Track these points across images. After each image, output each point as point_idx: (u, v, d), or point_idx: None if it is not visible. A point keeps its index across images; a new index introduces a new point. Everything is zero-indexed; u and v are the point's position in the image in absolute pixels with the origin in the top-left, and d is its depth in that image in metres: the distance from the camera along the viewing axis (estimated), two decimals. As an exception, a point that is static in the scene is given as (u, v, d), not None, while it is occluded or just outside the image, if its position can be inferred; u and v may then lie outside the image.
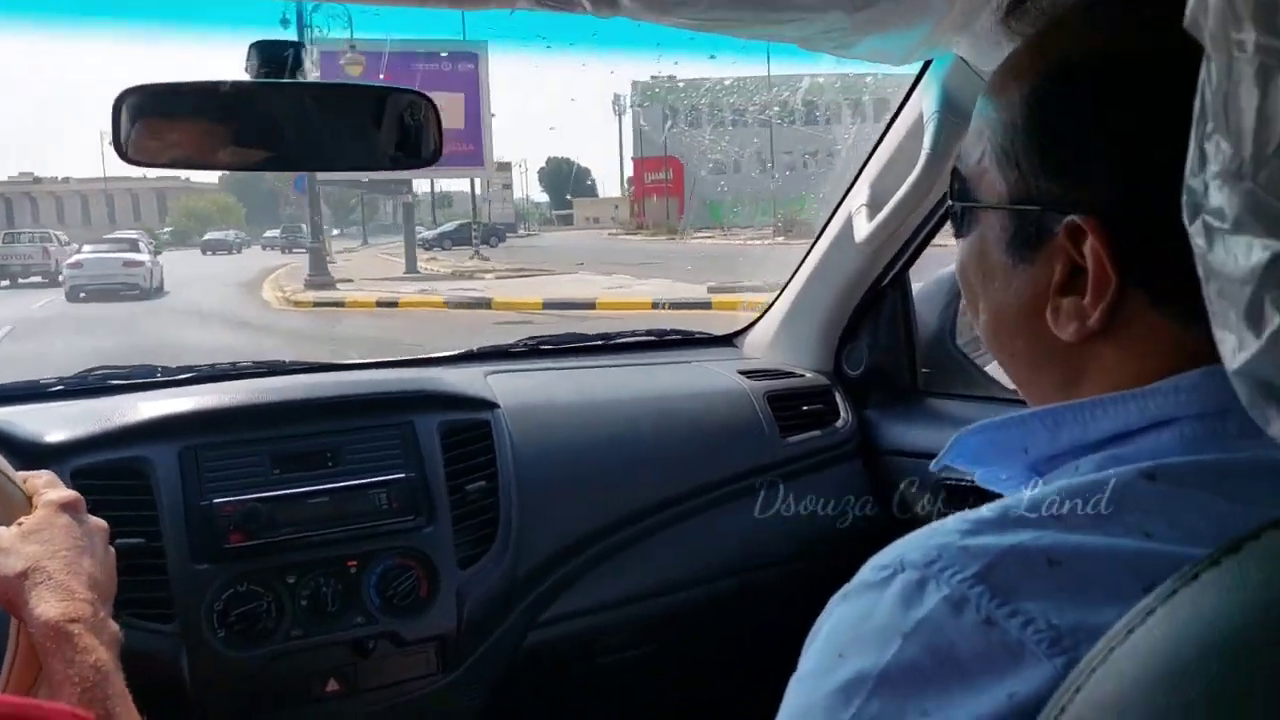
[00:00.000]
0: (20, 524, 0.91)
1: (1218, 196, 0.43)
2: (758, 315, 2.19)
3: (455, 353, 1.98)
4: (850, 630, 0.57)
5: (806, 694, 0.57)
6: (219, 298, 18.15)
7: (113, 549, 0.97)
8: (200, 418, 1.49)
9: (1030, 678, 0.50)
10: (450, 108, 21.37)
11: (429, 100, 1.28)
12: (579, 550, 1.66)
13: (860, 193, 1.76)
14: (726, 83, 27.88)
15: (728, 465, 1.81)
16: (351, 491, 1.49)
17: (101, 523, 0.97)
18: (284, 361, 1.85)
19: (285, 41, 1.18)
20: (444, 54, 21.85)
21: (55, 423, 1.43)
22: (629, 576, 1.71)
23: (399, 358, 1.95)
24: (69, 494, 0.96)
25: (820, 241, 1.96)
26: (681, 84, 31.32)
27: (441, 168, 23.01)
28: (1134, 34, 0.61)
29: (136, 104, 1.18)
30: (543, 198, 72.72)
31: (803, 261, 2.02)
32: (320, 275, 18.93)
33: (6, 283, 22.52)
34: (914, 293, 1.97)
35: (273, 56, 1.17)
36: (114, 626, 0.89)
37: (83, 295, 17.88)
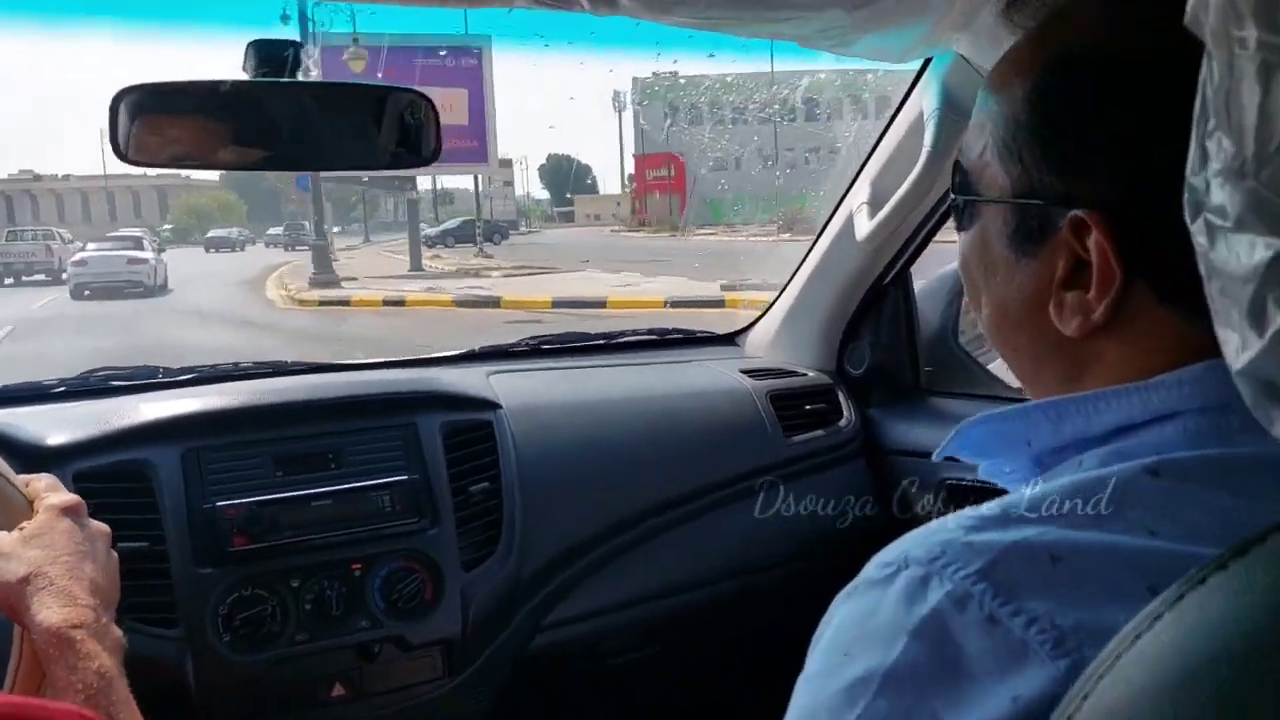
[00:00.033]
0: (22, 529, 0.91)
1: (1219, 194, 0.43)
2: (759, 314, 2.19)
3: (457, 352, 1.97)
4: (855, 628, 0.57)
5: (813, 694, 0.57)
6: (222, 296, 18.12)
7: (115, 553, 0.97)
8: (202, 419, 1.48)
9: (1034, 680, 0.50)
10: (454, 104, 21.33)
11: (428, 99, 1.28)
12: (583, 552, 1.66)
13: (861, 191, 1.75)
14: (728, 79, 27.85)
15: (731, 465, 1.81)
16: (354, 494, 1.48)
17: (103, 527, 0.97)
18: (286, 362, 1.84)
19: (283, 41, 1.17)
20: (447, 49, 21.79)
21: (57, 425, 1.43)
22: (633, 578, 1.71)
23: (401, 358, 1.95)
24: (70, 498, 0.95)
25: (821, 240, 1.95)
26: (683, 80, 31.30)
27: (446, 164, 22.98)
28: (1137, 27, 0.61)
29: (136, 101, 1.17)
30: (543, 195, 72.75)
31: (804, 260, 2.01)
32: (325, 273, 18.76)
33: (10, 281, 22.55)
34: (916, 290, 1.97)
35: (271, 56, 1.16)
36: (117, 632, 0.89)
37: (87, 293, 17.93)
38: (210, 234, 41.10)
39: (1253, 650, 0.41)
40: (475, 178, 27.93)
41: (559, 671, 1.72)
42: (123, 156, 1.16)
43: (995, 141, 0.67)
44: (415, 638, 1.49)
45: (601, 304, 13.79)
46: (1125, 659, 0.44)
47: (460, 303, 15.07)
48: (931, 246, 1.86)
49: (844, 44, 1.18)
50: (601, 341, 2.14)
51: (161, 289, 19.28)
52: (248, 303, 17.19)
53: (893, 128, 1.70)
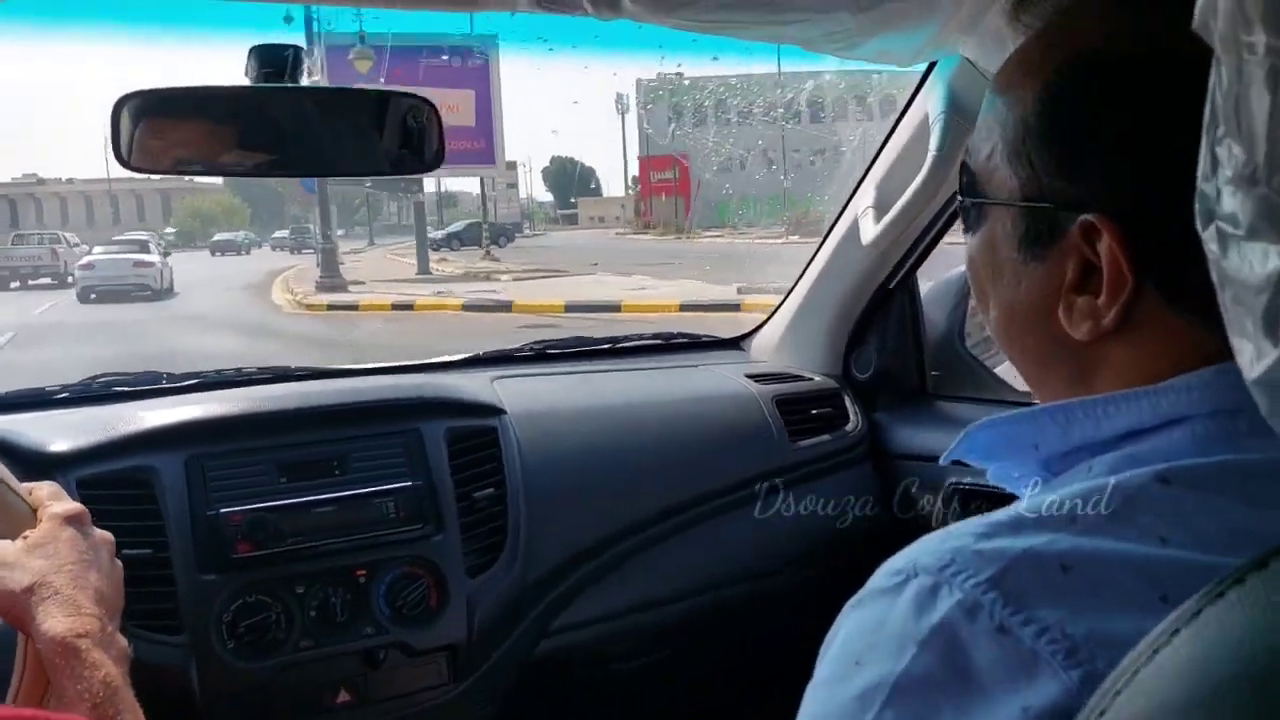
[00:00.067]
0: (25, 538, 0.90)
1: (1231, 202, 0.43)
2: (765, 318, 2.18)
3: (461, 357, 1.97)
4: (865, 638, 0.56)
5: (822, 703, 0.57)
6: (228, 301, 18.16)
7: (119, 562, 0.97)
8: (206, 426, 1.48)
9: (1045, 691, 0.49)
10: (461, 105, 21.35)
11: (430, 104, 1.28)
12: (589, 557, 1.65)
13: (866, 194, 1.75)
14: (732, 81, 27.87)
15: (736, 470, 1.80)
16: (358, 500, 1.48)
17: (107, 535, 0.97)
18: (289, 367, 1.84)
19: (285, 45, 1.17)
20: (455, 49, 21.80)
21: (60, 431, 1.43)
22: (639, 583, 1.70)
23: (404, 363, 1.95)
24: (74, 506, 0.95)
25: (827, 244, 1.95)
26: (687, 82, 31.30)
27: (453, 166, 22.95)
28: (1147, 29, 0.60)
29: (138, 106, 1.17)
30: (546, 197, 72.90)
31: (809, 264, 2.01)
32: (332, 277, 18.70)
33: (16, 284, 22.64)
34: (922, 294, 1.97)
35: (272, 61, 1.16)
36: (122, 641, 0.88)
37: (94, 296, 18.05)
38: (216, 237, 41.29)
39: (1274, 669, 0.40)
40: (481, 180, 27.93)
41: (565, 677, 1.71)
42: (124, 163, 1.16)
43: (1003, 144, 0.67)
44: (420, 644, 1.48)
45: (616, 308, 13.65)
46: (1143, 674, 0.44)
47: (470, 307, 14.96)
48: (938, 248, 1.86)
49: (850, 47, 1.18)
50: (606, 346, 2.14)
51: (168, 292, 19.37)
52: (254, 308, 17.19)
53: (897, 131, 1.70)
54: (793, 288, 2.07)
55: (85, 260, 19.84)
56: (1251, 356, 0.44)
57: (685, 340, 2.22)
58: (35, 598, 0.85)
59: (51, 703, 0.84)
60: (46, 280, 22.62)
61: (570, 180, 66.44)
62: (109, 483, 1.39)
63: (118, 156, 1.16)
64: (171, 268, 20.71)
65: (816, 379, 2.00)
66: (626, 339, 2.17)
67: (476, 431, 1.62)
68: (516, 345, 2.08)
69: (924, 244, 1.83)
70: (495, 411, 1.66)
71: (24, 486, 0.97)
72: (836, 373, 2.03)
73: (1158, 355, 0.61)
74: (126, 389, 1.66)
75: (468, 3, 1.20)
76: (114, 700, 0.82)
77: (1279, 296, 0.41)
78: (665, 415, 1.82)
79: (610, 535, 1.68)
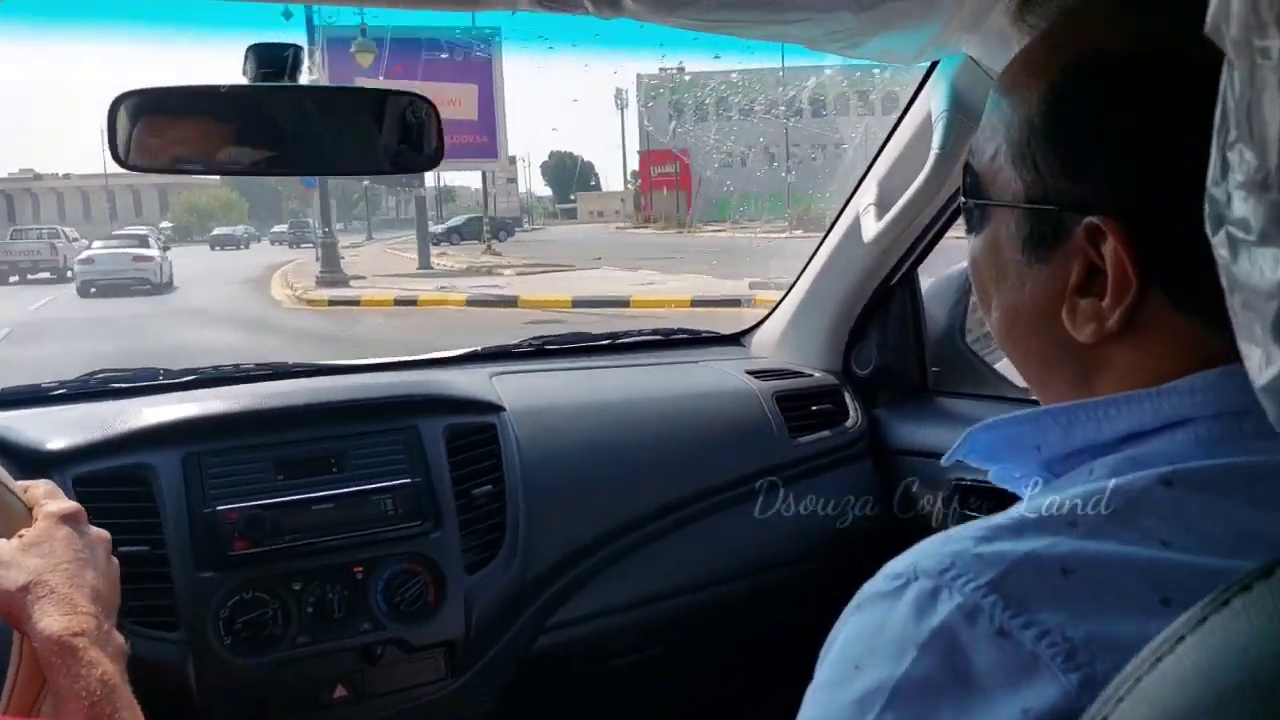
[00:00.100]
0: (21, 536, 0.90)
1: (1242, 207, 0.42)
2: (765, 314, 2.18)
3: (459, 353, 1.97)
4: (865, 641, 0.56)
5: (822, 705, 0.57)
6: (227, 296, 18.12)
7: (115, 560, 0.97)
8: (203, 423, 1.48)
9: (1045, 693, 0.49)
10: (464, 99, 21.34)
11: (428, 101, 1.28)
12: (588, 554, 1.65)
13: (868, 192, 1.74)
14: (734, 77, 27.85)
15: (737, 466, 1.80)
16: (356, 497, 1.48)
17: (104, 533, 0.96)
18: (287, 363, 1.83)
19: (283, 45, 1.17)
20: (457, 44, 21.75)
21: (56, 429, 1.43)
22: (638, 579, 1.70)
23: (403, 358, 1.94)
24: (70, 505, 0.95)
25: (828, 240, 1.95)
26: (687, 78, 31.29)
27: (456, 160, 22.95)
28: (1154, 29, 0.60)
29: (136, 104, 1.17)
30: (545, 192, 72.84)
31: (810, 260, 2.01)
32: (333, 271, 18.57)
33: (15, 279, 22.65)
34: (923, 290, 1.96)
35: (271, 59, 1.16)
36: (119, 638, 0.88)
37: (93, 290, 18.06)
38: (215, 231, 41.28)
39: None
40: (483, 174, 27.91)
41: (563, 672, 1.71)
42: (122, 162, 1.16)
43: (1008, 145, 0.66)
44: (418, 640, 1.48)
45: (625, 303, 13.51)
46: (1146, 682, 0.43)
47: (474, 302, 14.80)
48: (940, 244, 1.85)
49: (852, 46, 1.17)
50: (606, 342, 2.13)
51: (167, 286, 19.37)
52: (253, 303, 17.11)
53: (900, 129, 1.70)
54: (794, 284, 2.07)
55: (85, 254, 19.92)
56: (1260, 362, 0.43)
57: (685, 336, 2.22)
58: (31, 596, 0.85)
59: (48, 701, 0.84)
60: (45, 275, 22.63)
61: (569, 175, 66.46)
62: (106, 480, 1.38)
63: (115, 155, 1.15)
64: (171, 262, 20.73)
65: (817, 375, 2.00)
66: (626, 335, 2.17)
67: (475, 428, 1.61)
68: (516, 341, 2.08)
69: (926, 241, 1.83)
70: (494, 408, 1.66)
71: (20, 484, 0.97)
72: (837, 369, 2.03)
73: (1162, 357, 0.60)
74: (124, 385, 1.65)
75: (469, 1, 1.19)
76: (111, 698, 0.82)
77: None
78: (665, 411, 1.82)
79: (610, 531, 1.67)
